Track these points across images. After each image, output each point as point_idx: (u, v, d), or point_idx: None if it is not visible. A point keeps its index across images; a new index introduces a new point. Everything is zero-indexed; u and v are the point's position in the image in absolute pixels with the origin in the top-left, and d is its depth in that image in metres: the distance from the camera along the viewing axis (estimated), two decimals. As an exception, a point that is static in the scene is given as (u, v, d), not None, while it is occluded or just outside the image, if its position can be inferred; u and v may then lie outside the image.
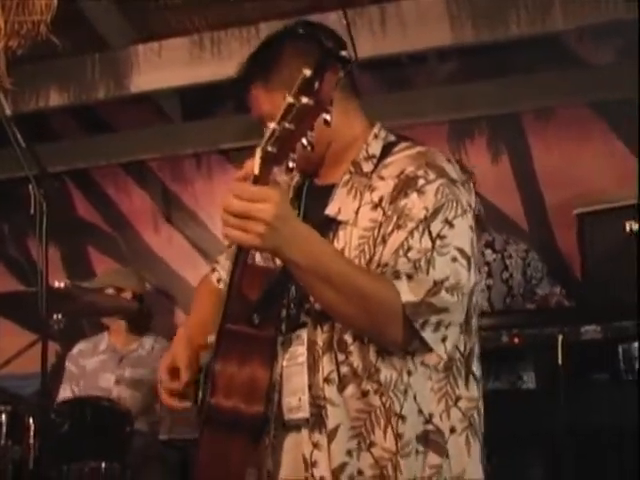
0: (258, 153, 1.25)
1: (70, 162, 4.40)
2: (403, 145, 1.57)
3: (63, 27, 3.09)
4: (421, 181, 1.46)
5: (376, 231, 1.48)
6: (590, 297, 3.00)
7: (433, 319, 1.41)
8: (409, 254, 1.42)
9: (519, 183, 3.91)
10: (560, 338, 2.36)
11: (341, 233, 1.51)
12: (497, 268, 2.91)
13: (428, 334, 1.42)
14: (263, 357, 1.46)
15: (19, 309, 3.86)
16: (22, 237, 4.46)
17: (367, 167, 1.55)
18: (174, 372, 1.62)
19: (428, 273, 1.40)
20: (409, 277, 1.40)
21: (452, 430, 1.48)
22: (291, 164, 1.26)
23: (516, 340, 2.45)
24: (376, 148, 1.57)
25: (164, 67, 3.70)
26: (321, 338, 1.48)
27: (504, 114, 3.91)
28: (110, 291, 3.73)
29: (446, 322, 1.43)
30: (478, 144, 3.96)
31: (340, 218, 1.52)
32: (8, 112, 2.47)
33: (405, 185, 1.47)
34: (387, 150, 1.57)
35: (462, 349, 1.50)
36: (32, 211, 2.37)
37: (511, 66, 3.80)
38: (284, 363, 1.50)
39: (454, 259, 1.44)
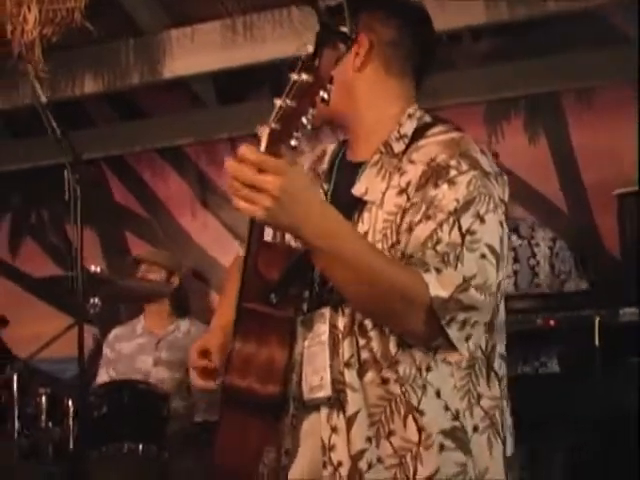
0: (265, 130, 1.24)
1: (106, 148, 4.46)
2: (438, 129, 1.52)
3: (97, 13, 3.13)
4: (453, 171, 1.42)
5: (399, 217, 1.44)
6: (630, 278, 2.95)
7: (460, 317, 1.38)
8: (438, 247, 1.38)
9: (557, 164, 3.86)
10: (597, 320, 2.34)
11: (366, 215, 1.48)
12: (523, 253, 2.88)
13: (453, 332, 1.38)
14: (281, 337, 1.45)
15: (57, 293, 3.94)
16: (60, 222, 4.55)
17: (398, 147, 1.51)
18: (205, 353, 1.61)
19: (456, 268, 1.37)
20: (438, 271, 1.36)
21: (475, 429, 1.45)
22: (294, 142, 1.23)
23: (551, 322, 2.43)
24: (409, 128, 1.52)
25: (197, 51, 3.72)
26: (342, 321, 1.46)
27: (541, 94, 3.86)
28: (143, 267, 3.77)
29: (472, 321, 1.40)
30: (515, 125, 3.92)
31: (366, 198, 1.49)
32: (44, 99, 2.49)
33: (436, 174, 1.43)
34: (421, 132, 1.52)
35: (484, 347, 1.47)
36: (67, 197, 2.40)
37: (548, 44, 3.73)
38: (306, 343, 1.48)
39: (483, 256, 1.39)
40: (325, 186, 1.59)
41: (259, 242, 1.45)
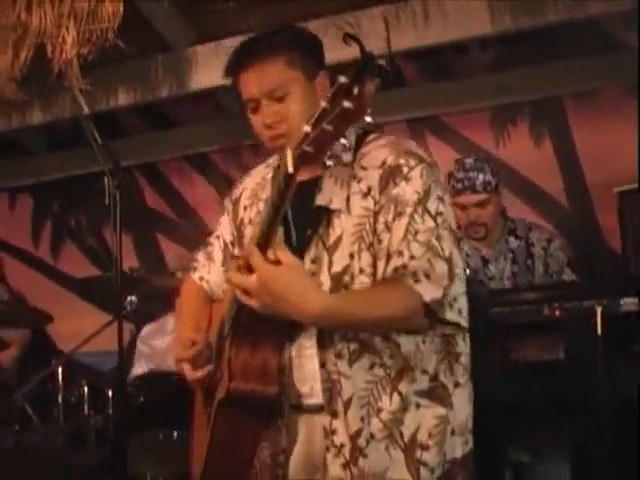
0: (290, 152, 1.28)
1: (138, 156, 4.52)
2: (373, 135, 1.62)
3: (128, 32, 3.18)
4: (405, 169, 1.53)
5: (371, 219, 1.53)
6: (630, 271, 2.96)
7: (449, 298, 1.49)
8: (418, 237, 1.48)
9: (561, 164, 3.88)
10: (599, 310, 2.34)
11: (336, 221, 1.54)
12: (521, 255, 2.87)
13: (450, 315, 1.49)
14: (273, 342, 1.51)
15: (97, 292, 4.00)
16: (98, 227, 4.62)
17: (347, 158, 1.57)
18: (190, 342, 1.68)
19: (443, 250, 1.47)
20: (427, 276, 1.46)
21: (456, 384, 1.55)
22: (328, 162, 1.29)
23: (557, 313, 2.43)
24: (351, 139, 1.59)
25: (221, 65, 3.72)
26: None
27: (545, 99, 3.87)
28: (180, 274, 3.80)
29: (459, 293, 1.51)
30: (520, 129, 3.94)
31: (332, 207, 1.55)
32: (86, 111, 2.52)
33: (391, 175, 1.53)
34: (360, 140, 1.61)
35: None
36: (107, 202, 2.43)
37: (551, 51, 3.75)
38: (293, 353, 1.55)
39: (451, 232, 1.53)
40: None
41: None
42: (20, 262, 4.85)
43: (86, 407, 3.01)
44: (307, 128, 1.26)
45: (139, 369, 3.71)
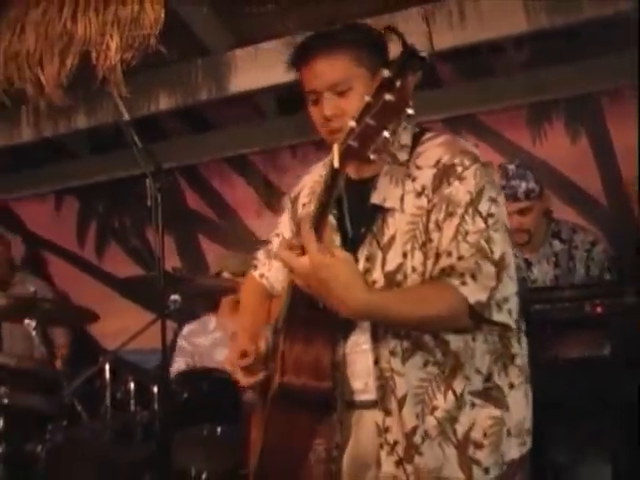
0: (337, 148, 1.29)
1: (179, 159, 4.55)
2: (429, 134, 1.61)
3: (169, 37, 3.21)
4: (459, 168, 1.50)
5: (424, 218, 1.51)
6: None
7: (497, 300, 1.46)
8: (468, 238, 1.45)
9: (598, 161, 3.82)
10: (641, 307, 2.30)
11: (390, 220, 1.54)
12: (563, 258, 2.83)
13: (498, 317, 1.46)
14: (326, 337, 1.50)
15: (141, 291, 4.04)
16: (141, 228, 4.66)
17: (402, 157, 1.56)
18: (244, 354, 1.67)
19: (492, 252, 1.44)
20: (474, 278, 1.44)
21: (511, 386, 1.52)
22: (372, 156, 1.28)
23: (598, 310, 2.40)
24: (406, 138, 1.59)
25: (260, 68, 3.77)
26: None
27: (580, 96, 3.82)
28: (226, 274, 3.81)
29: (508, 295, 1.48)
30: (557, 126, 3.89)
31: (387, 205, 1.54)
32: (127, 117, 2.55)
33: (445, 174, 1.50)
34: (417, 139, 1.59)
35: (515, 312, 1.52)
36: (149, 203, 2.45)
37: (586, 49, 3.69)
38: (347, 350, 1.54)
39: (505, 233, 1.49)
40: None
41: None
42: (66, 262, 4.93)
43: (132, 403, 3.03)
44: (352, 123, 1.27)
45: (182, 364, 3.74)
